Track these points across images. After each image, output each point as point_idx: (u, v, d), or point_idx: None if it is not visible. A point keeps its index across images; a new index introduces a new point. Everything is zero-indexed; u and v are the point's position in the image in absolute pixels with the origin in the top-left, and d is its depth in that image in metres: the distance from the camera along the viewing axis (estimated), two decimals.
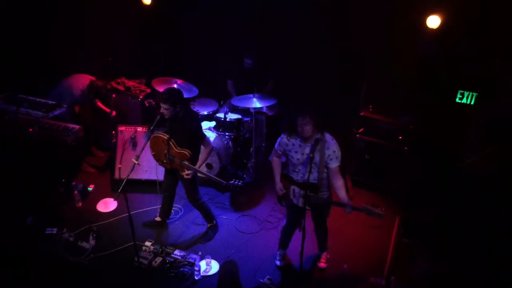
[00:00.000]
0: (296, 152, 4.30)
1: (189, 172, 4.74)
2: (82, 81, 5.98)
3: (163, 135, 4.77)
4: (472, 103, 5.63)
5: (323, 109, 4.42)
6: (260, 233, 5.45)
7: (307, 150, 4.24)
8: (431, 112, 5.92)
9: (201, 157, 4.84)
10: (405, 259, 4.85)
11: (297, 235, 4.55)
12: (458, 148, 5.72)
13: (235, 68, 6.59)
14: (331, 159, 4.21)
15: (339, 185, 4.27)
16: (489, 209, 5.05)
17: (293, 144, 4.31)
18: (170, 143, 4.73)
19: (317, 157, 4.19)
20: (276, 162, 4.57)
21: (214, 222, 5.36)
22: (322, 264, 4.99)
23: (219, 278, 3.69)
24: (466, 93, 5.63)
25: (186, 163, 4.69)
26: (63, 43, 5.99)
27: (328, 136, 4.24)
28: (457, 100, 5.70)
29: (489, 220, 4.96)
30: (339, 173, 4.27)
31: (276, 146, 4.49)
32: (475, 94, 5.60)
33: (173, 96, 4.63)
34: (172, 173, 5.02)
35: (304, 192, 4.18)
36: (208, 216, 5.31)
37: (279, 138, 4.44)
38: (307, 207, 4.20)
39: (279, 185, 4.52)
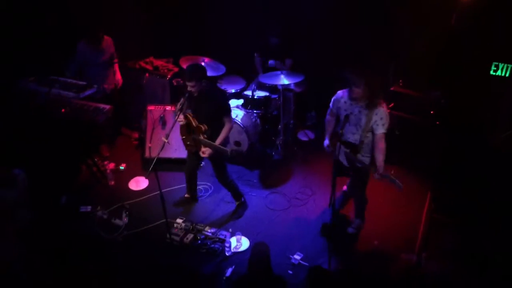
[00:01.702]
0: (345, 110, 4.46)
1: (206, 149, 4.73)
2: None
3: (189, 114, 4.79)
4: (507, 75, 5.44)
5: (379, 76, 4.43)
6: (289, 210, 5.47)
7: (356, 110, 4.39)
8: (463, 86, 5.76)
9: (222, 133, 4.79)
10: (436, 235, 4.80)
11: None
12: (491, 123, 5.57)
13: (261, 45, 6.51)
14: (377, 125, 4.33)
15: (380, 149, 4.37)
16: None
17: (345, 102, 4.47)
18: (189, 116, 4.74)
19: (363, 120, 4.35)
20: (328, 120, 4.79)
21: (242, 199, 5.39)
22: (350, 229, 5.07)
23: (250, 258, 3.73)
24: (501, 65, 5.44)
25: (201, 137, 4.68)
26: (90, 25, 6.01)
27: (380, 101, 4.32)
28: (492, 72, 5.52)
29: None
30: (383, 140, 4.37)
31: (330, 104, 4.67)
32: (510, 66, 5.41)
33: (196, 72, 4.63)
34: (195, 154, 5.02)
35: (346, 150, 4.45)
36: (237, 194, 5.35)
37: (334, 96, 4.59)
38: (347, 164, 4.55)
39: (326, 142, 4.77)
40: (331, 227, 4.72)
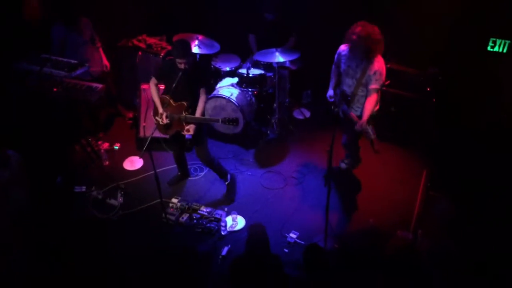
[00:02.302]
0: (344, 63, 4.66)
1: (189, 126, 4.65)
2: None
3: (164, 97, 4.75)
4: (504, 51, 5.38)
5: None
6: (285, 188, 5.46)
7: (353, 64, 4.58)
8: (460, 63, 5.70)
9: (199, 104, 4.71)
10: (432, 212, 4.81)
11: None
12: (489, 100, 5.53)
13: (256, 23, 6.41)
14: (370, 80, 4.48)
15: (369, 101, 4.54)
16: None
17: (345, 56, 4.67)
18: (166, 98, 4.69)
19: (358, 73, 4.54)
20: (333, 71, 4.91)
21: (229, 177, 5.31)
22: (342, 164, 5.44)
23: (248, 240, 3.73)
24: (498, 41, 5.37)
25: (185, 114, 4.60)
26: (82, 3, 5.88)
27: (377, 58, 4.46)
28: (489, 48, 5.46)
29: None
30: (375, 94, 4.54)
31: (335, 57, 4.83)
32: (508, 41, 5.34)
33: (188, 47, 4.56)
34: (176, 137, 4.93)
35: (339, 100, 4.72)
36: (222, 173, 5.29)
37: (338, 49, 4.78)
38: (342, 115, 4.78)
39: (330, 92, 4.89)
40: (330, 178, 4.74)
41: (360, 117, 4.62)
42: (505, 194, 4.90)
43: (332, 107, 4.90)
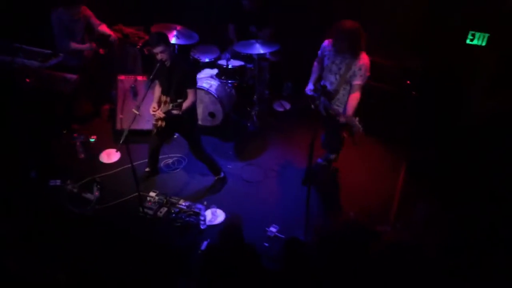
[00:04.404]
0: (328, 58, 4.58)
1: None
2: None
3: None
4: (483, 44, 5.40)
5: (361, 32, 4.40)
6: (265, 182, 5.41)
7: (338, 60, 4.50)
8: (440, 55, 5.71)
9: (184, 104, 4.51)
10: (411, 206, 4.83)
11: None
12: (468, 93, 5.56)
13: (234, 12, 6.31)
14: (355, 76, 4.43)
15: (352, 98, 4.46)
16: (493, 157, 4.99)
17: (329, 51, 4.58)
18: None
19: (342, 69, 4.47)
20: (315, 66, 4.82)
21: (222, 174, 5.29)
22: (320, 160, 5.35)
23: (221, 230, 3.68)
24: (477, 34, 5.39)
25: (170, 106, 4.49)
26: None
27: (362, 53, 4.41)
28: (468, 41, 5.47)
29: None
30: (358, 91, 4.46)
31: (319, 52, 4.74)
32: (487, 35, 5.36)
33: (162, 35, 4.43)
34: (163, 132, 4.86)
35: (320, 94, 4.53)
36: (214, 169, 5.24)
37: (322, 43, 4.69)
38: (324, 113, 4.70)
39: (310, 86, 4.72)
40: (309, 178, 4.79)
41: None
42: (484, 186, 4.95)
43: (311, 101, 4.76)
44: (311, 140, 4.13)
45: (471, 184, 4.92)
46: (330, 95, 4.59)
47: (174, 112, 4.40)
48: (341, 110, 4.61)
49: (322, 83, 4.51)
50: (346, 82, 4.50)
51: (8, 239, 4.04)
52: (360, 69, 4.39)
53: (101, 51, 5.84)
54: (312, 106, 4.63)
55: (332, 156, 5.36)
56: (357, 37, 4.30)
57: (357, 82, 4.43)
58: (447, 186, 4.93)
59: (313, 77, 4.81)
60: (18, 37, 5.49)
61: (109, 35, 5.84)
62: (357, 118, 4.40)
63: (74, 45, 5.59)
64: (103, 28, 5.85)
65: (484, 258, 3.87)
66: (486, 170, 4.98)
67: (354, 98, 4.45)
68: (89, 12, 5.74)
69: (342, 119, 4.44)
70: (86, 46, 5.71)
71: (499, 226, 4.24)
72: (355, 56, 4.38)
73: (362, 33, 4.34)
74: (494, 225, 4.33)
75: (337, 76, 4.53)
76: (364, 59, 4.41)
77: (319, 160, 5.38)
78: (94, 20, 5.79)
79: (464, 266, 3.75)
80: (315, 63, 4.82)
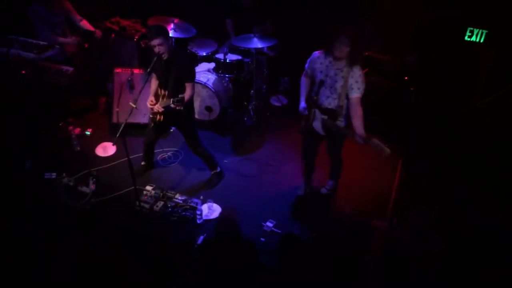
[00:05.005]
0: (321, 72, 4.26)
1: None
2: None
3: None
4: (481, 41, 5.40)
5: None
6: (262, 176, 5.40)
7: (332, 73, 4.20)
8: (438, 52, 5.70)
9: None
10: (408, 201, 4.84)
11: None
12: (466, 90, 5.56)
13: (232, 6, 6.27)
14: (352, 88, 4.15)
15: (357, 115, 4.18)
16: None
17: (321, 64, 4.27)
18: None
19: (338, 83, 4.18)
20: (304, 82, 4.49)
21: (218, 169, 5.27)
22: (324, 190, 5.13)
23: (216, 224, 3.68)
24: (476, 31, 5.38)
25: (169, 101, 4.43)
26: None
27: (356, 67, 4.14)
28: (466, 38, 5.47)
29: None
30: (359, 104, 4.19)
31: (306, 65, 4.44)
32: (485, 31, 5.36)
33: (161, 27, 4.38)
34: (159, 125, 4.84)
35: (323, 117, 4.24)
36: (211, 163, 5.21)
37: (310, 57, 4.37)
38: (322, 133, 4.37)
39: (303, 104, 4.36)
40: (304, 199, 4.69)
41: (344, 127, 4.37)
42: (480, 184, 4.97)
43: (304, 122, 4.43)
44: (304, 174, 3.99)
45: (470, 183, 4.95)
46: (332, 113, 4.29)
47: (177, 108, 4.37)
48: (343, 124, 4.37)
49: (314, 97, 4.22)
50: (344, 95, 4.22)
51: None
52: (357, 82, 4.14)
53: (86, 45, 5.81)
54: (306, 124, 4.37)
55: (335, 184, 5.15)
56: (360, 43, 4.13)
57: (357, 95, 4.17)
58: (445, 186, 4.96)
59: (304, 93, 4.47)
60: (14, 29, 5.45)
61: (93, 32, 5.79)
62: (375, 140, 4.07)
63: (59, 39, 5.52)
64: (85, 24, 5.78)
65: (484, 261, 3.90)
66: (485, 170, 5.02)
67: (360, 117, 4.17)
68: (69, 6, 5.65)
69: (359, 140, 4.14)
70: (71, 39, 5.64)
71: (499, 229, 4.27)
72: (352, 64, 4.13)
73: (363, 42, 4.21)
74: (494, 227, 4.37)
75: (333, 90, 4.23)
76: (360, 71, 4.17)
77: (323, 190, 5.15)
78: (75, 15, 5.71)
79: (464, 267, 3.78)
80: (303, 78, 4.50)
